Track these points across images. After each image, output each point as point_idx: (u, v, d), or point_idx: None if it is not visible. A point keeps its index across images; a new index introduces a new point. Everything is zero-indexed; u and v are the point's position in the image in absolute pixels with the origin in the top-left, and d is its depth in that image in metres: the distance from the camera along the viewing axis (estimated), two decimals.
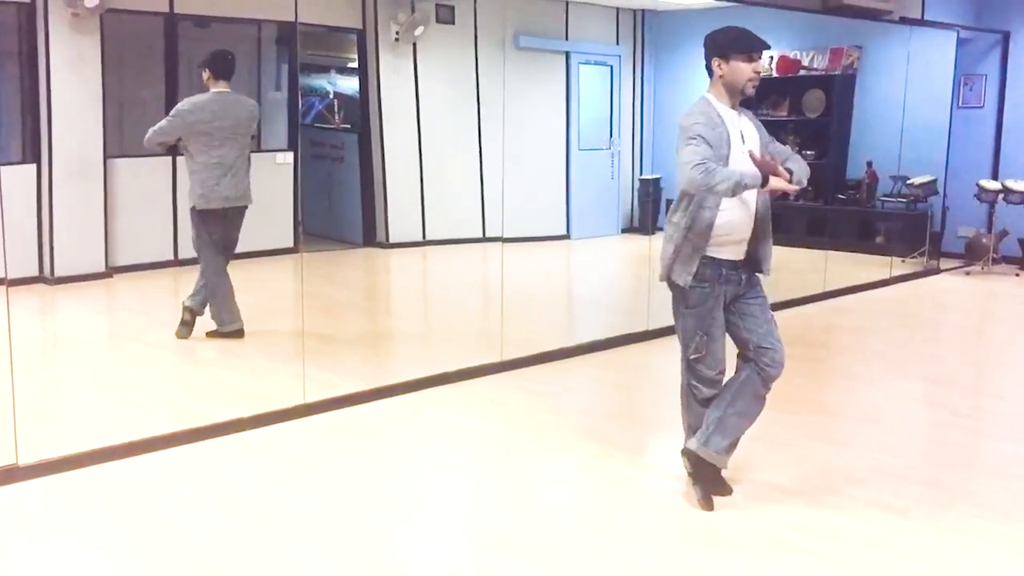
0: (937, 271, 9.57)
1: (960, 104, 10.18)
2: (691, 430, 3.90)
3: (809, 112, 9.98)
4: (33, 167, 7.24)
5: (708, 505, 3.78)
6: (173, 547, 3.43)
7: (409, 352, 6.55)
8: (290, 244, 8.04)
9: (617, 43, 10.84)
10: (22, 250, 6.94)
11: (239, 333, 6.11)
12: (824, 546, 3.48)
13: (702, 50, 3.77)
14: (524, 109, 9.83)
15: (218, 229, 6.02)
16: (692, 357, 3.82)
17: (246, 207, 6.07)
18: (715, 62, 3.72)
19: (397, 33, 9.50)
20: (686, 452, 3.89)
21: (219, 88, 5.95)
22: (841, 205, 10.00)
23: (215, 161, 5.88)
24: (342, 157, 10.05)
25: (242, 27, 8.53)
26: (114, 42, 7.51)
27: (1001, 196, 9.34)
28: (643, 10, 10.76)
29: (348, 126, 10.44)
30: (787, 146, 4.11)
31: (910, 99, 9.44)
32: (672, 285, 3.80)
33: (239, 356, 5.93)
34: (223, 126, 5.90)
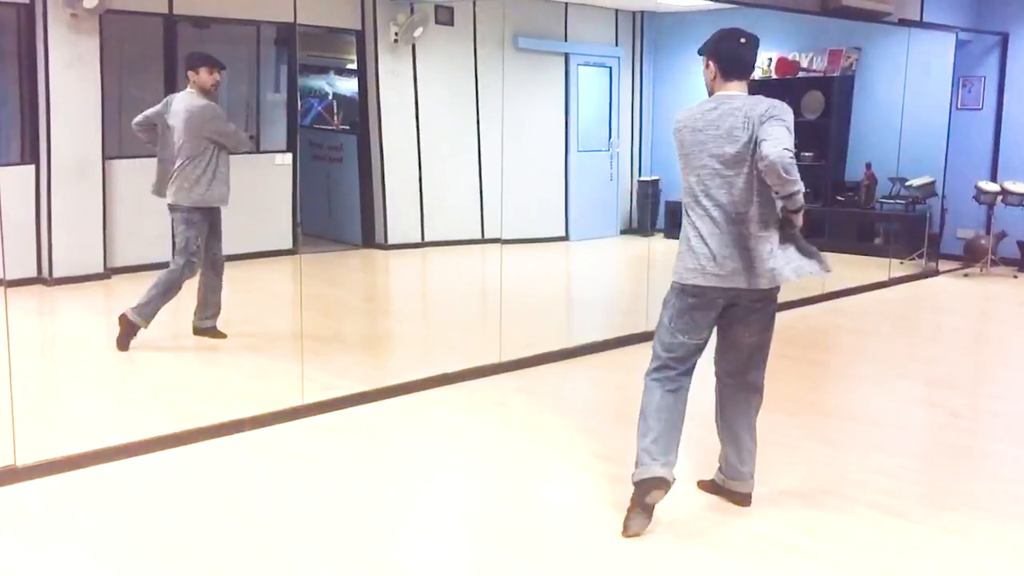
0: (936, 273, 9.57)
1: (959, 106, 10.19)
2: None
3: (808, 114, 9.98)
4: (32, 168, 7.24)
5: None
6: (172, 547, 3.43)
7: (408, 353, 6.54)
8: (289, 245, 8.04)
9: (616, 44, 10.85)
10: (21, 251, 6.93)
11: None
12: (823, 547, 3.48)
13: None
14: (523, 110, 9.82)
15: None
16: None
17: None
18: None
19: (396, 34, 9.50)
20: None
21: None
22: (840, 207, 10.00)
23: None
24: (341, 158, 10.06)
25: (241, 28, 8.53)
26: (113, 43, 7.50)
27: (1000, 198, 9.34)
28: (642, 12, 10.77)
29: (347, 127, 10.44)
30: None
31: (909, 101, 9.45)
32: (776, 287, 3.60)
33: (238, 357, 5.93)
34: None
